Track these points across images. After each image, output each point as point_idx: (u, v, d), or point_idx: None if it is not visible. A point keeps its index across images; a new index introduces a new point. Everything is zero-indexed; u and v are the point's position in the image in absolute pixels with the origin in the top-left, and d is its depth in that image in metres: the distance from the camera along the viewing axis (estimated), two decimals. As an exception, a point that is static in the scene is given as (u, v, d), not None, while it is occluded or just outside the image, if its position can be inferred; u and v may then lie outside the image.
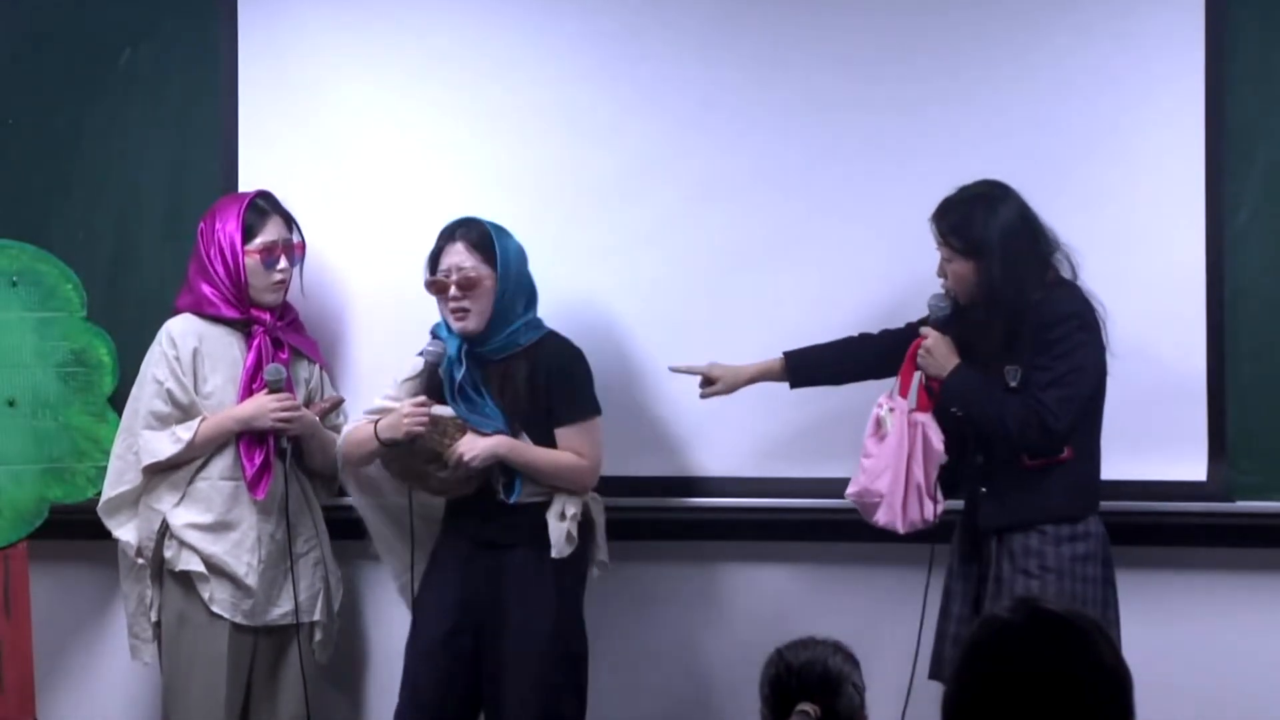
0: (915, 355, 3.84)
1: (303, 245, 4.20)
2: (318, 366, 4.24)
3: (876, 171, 4.27)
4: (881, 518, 3.83)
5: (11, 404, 4.31)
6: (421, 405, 3.82)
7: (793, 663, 2.84)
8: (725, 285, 4.31)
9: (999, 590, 3.73)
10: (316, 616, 4.14)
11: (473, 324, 3.88)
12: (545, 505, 3.91)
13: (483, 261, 3.90)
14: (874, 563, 4.27)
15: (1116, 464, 4.02)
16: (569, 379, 3.98)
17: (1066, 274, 3.79)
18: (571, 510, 3.92)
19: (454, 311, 3.89)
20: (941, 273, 3.82)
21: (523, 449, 3.91)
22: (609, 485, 4.31)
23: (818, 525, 4.27)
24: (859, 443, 3.88)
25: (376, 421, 3.88)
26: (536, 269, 4.33)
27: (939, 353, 3.81)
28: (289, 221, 4.18)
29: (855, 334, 4.07)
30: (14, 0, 4.61)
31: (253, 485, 4.06)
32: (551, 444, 3.93)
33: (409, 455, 3.87)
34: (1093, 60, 4.18)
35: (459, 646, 3.91)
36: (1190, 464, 4.15)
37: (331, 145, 4.45)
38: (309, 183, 4.44)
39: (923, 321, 3.90)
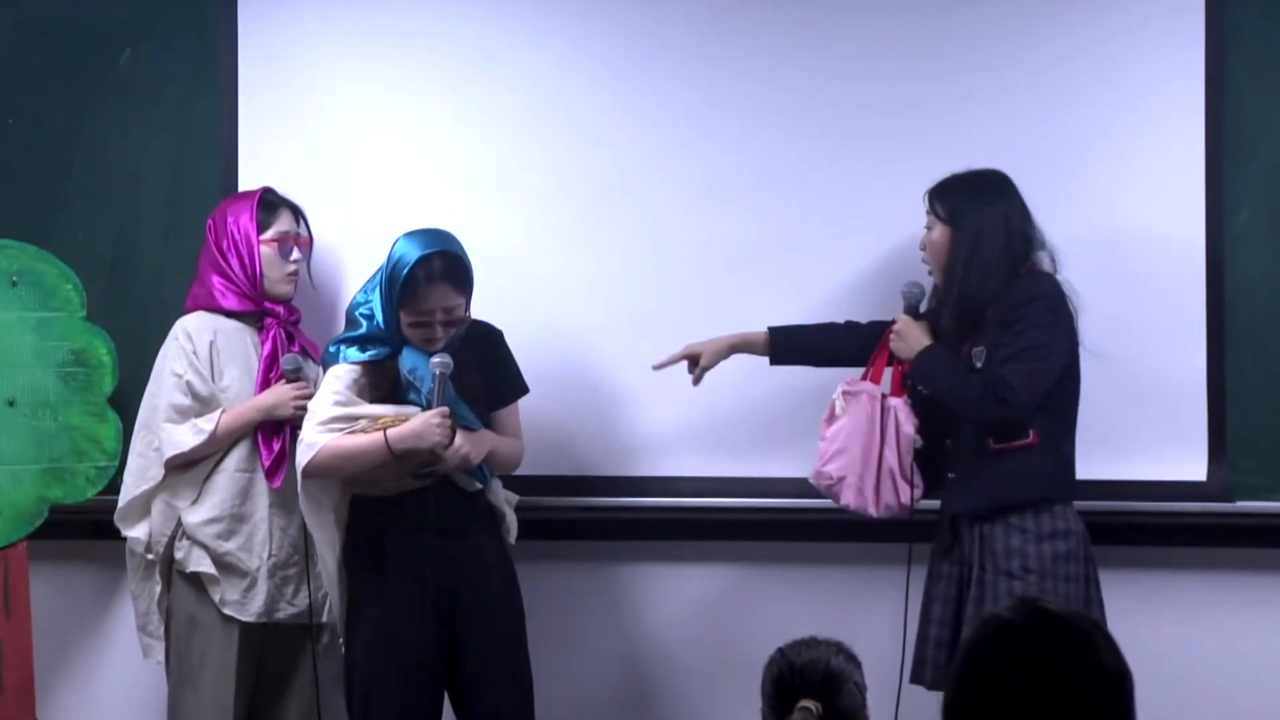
0: (889, 340, 3.87)
1: (310, 239, 4.23)
2: (320, 367, 4.24)
3: (876, 172, 4.27)
4: (851, 501, 3.84)
5: (11, 404, 4.31)
6: (447, 417, 3.81)
7: (795, 661, 2.85)
8: (725, 285, 4.31)
9: (981, 593, 3.72)
10: (324, 618, 4.13)
11: (442, 344, 3.88)
12: (483, 491, 3.95)
13: (461, 293, 3.86)
14: (850, 563, 4.28)
15: (1117, 464, 4.04)
16: (505, 361, 4.03)
17: (1047, 269, 3.80)
18: (514, 499, 4.06)
19: (429, 340, 3.86)
20: (922, 245, 3.84)
21: (497, 440, 3.96)
22: (605, 484, 4.33)
23: (793, 525, 4.28)
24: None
25: (382, 431, 3.83)
26: (536, 268, 4.35)
27: (909, 335, 3.83)
28: (297, 215, 4.22)
29: (841, 320, 4.07)
30: (14, 0, 4.61)
31: (270, 473, 4.07)
32: (488, 424, 3.96)
33: (404, 462, 3.86)
34: (1093, 60, 4.19)
35: (435, 636, 3.88)
36: (1190, 464, 4.15)
37: (331, 145, 4.45)
38: (309, 183, 4.43)
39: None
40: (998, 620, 2.14)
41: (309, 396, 4.01)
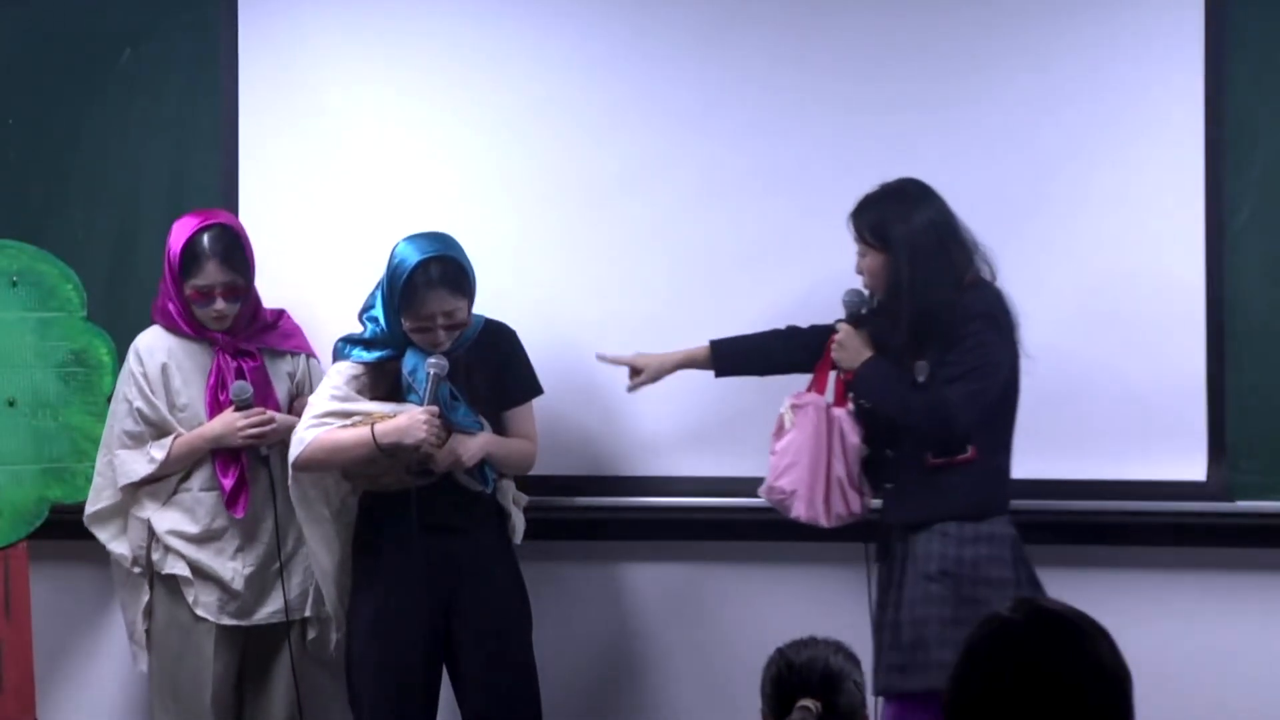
0: (831, 350, 3.86)
1: (246, 288, 4.09)
2: (304, 356, 4.23)
3: (876, 172, 4.23)
4: (802, 514, 3.84)
5: (11, 404, 4.31)
6: (436, 416, 3.82)
7: (794, 661, 2.85)
8: (725, 285, 4.31)
9: (900, 596, 3.73)
10: (308, 613, 4.14)
11: (447, 347, 3.89)
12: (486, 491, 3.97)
13: (461, 296, 3.87)
14: (853, 563, 4.27)
15: (1116, 464, 4.04)
16: (517, 362, 4.04)
17: (987, 277, 3.77)
18: (524, 500, 4.08)
19: (433, 344, 3.87)
20: (859, 269, 3.82)
21: (501, 443, 3.97)
22: (605, 484, 4.33)
23: (795, 525, 4.26)
24: None
25: (370, 426, 3.85)
26: (536, 268, 4.35)
27: (851, 346, 3.81)
28: (232, 263, 4.05)
29: (784, 326, 4.05)
30: (14, 0, 4.61)
31: (230, 503, 4.07)
32: (499, 424, 3.99)
33: (396, 459, 3.87)
34: (1093, 60, 4.18)
35: (429, 633, 3.90)
36: (1190, 464, 4.15)
37: (331, 145, 4.46)
38: (309, 183, 4.44)
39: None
40: (998, 619, 2.14)
41: (260, 423, 4.02)
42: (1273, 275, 4.16)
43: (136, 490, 4.12)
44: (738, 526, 4.35)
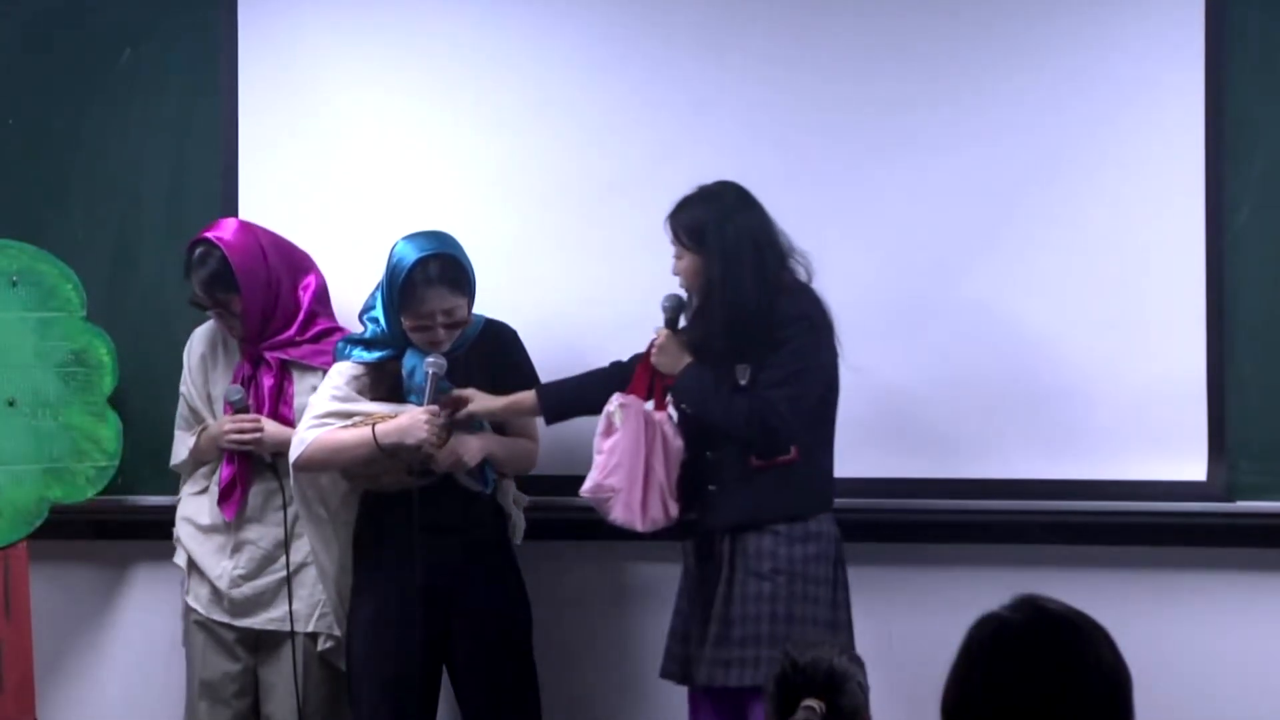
0: (651, 355, 3.85)
1: (219, 304, 4.09)
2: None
3: (875, 171, 4.27)
4: (619, 515, 3.81)
5: (11, 404, 4.31)
6: (437, 415, 3.82)
7: (798, 661, 2.86)
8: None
9: (730, 593, 3.74)
10: (311, 628, 4.13)
11: (447, 346, 3.90)
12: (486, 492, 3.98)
13: (461, 294, 3.89)
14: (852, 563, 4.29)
15: (1117, 464, 4.03)
16: (517, 361, 4.05)
17: (803, 279, 3.79)
18: (524, 500, 4.09)
19: (432, 342, 3.89)
20: (676, 272, 3.82)
21: (501, 442, 3.99)
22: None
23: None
24: None
25: (372, 426, 3.86)
26: (535, 267, 4.35)
27: (670, 351, 3.82)
28: (212, 289, 4.07)
29: (607, 364, 4.01)
30: (14, 0, 4.62)
31: (220, 501, 4.12)
32: (502, 424, 4.01)
33: (397, 459, 3.87)
34: (1092, 59, 4.18)
35: (427, 634, 3.89)
36: (1190, 464, 4.15)
37: (332, 145, 4.46)
38: (309, 183, 4.45)
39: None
40: (997, 619, 2.14)
41: (245, 430, 4.05)
42: (1273, 275, 4.16)
43: (192, 469, 4.20)
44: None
